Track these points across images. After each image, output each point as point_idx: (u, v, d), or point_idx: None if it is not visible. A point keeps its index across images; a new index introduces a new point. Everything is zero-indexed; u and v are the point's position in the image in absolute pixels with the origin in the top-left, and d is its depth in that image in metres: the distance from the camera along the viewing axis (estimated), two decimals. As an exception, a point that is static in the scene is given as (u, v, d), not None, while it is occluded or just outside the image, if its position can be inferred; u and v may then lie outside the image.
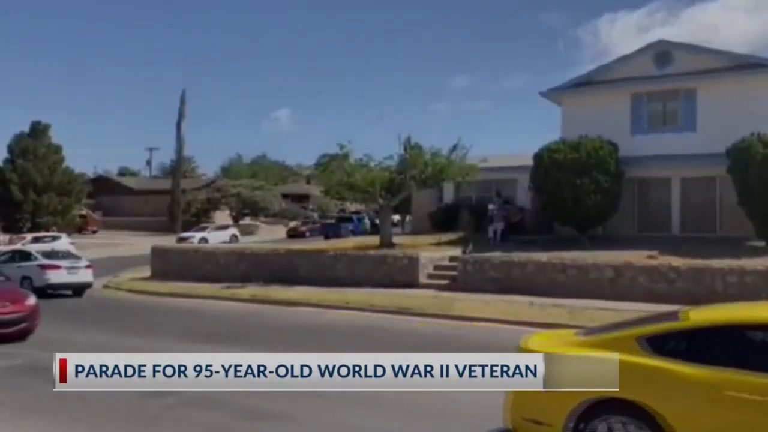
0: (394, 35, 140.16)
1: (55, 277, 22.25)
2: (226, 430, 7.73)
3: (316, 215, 63.52)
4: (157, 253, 29.09)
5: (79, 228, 56.57)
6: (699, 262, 17.72)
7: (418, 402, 7.94)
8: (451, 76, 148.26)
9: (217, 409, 8.15)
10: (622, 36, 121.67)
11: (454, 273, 20.83)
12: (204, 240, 43.42)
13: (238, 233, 48.57)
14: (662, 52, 24.48)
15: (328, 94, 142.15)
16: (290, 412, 8.04)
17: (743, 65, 23.26)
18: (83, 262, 24.26)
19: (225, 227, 50.49)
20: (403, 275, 21.31)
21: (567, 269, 18.93)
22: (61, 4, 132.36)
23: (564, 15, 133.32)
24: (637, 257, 18.98)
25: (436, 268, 21.76)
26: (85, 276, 23.05)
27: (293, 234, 50.04)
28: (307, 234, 48.89)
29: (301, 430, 7.75)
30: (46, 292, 21.43)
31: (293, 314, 17.62)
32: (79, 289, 22.80)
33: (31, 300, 13.34)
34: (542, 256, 19.74)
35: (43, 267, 22.40)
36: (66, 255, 25.71)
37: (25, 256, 23.96)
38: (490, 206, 25.65)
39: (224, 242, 43.51)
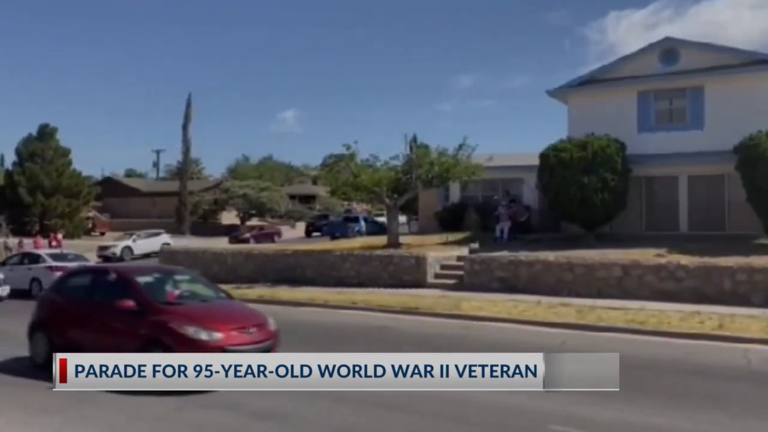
0: (400, 35, 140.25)
1: (63, 279, 22.31)
2: (233, 430, 7.70)
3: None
4: (166, 254, 29.25)
5: (87, 230, 56.85)
6: (707, 260, 17.59)
7: (429, 402, 7.90)
8: (456, 75, 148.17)
9: (225, 409, 8.13)
10: (629, 34, 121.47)
11: (461, 273, 20.77)
12: (129, 249, 38.56)
13: (171, 240, 40.78)
14: (669, 50, 24.33)
15: (333, 94, 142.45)
16: (297, 412, 8.01)
17: (750, 62, 23.07)
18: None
19: (157, 234, 42.95)
20: (410, 275, 21.29)
21: (574, 268, 18.84)
22: (67, 7, 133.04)
23: (570, 13, 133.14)
24: (645, 255, 18.87)
25: (443, 267, 21.71)
26: (92, 277, 23.09)
27: (235, 241, 42.81)
28: (251, 241, 41.74)
29: (309, 430, 7.71)
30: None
31: (300, 314, 17.58)
32: (87, 291, 22.85)
33: (273, 323, 10.38)
34: (549, 255, 19.65)
35: (52, 269, 22.54)
36: (75, 257, 25.87)
37: (35, 258, 24.16)
38: (500, 207, 25.52)
39: (153, 251, 37.15)
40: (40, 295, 11.95)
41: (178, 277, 11.47)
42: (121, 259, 36.72)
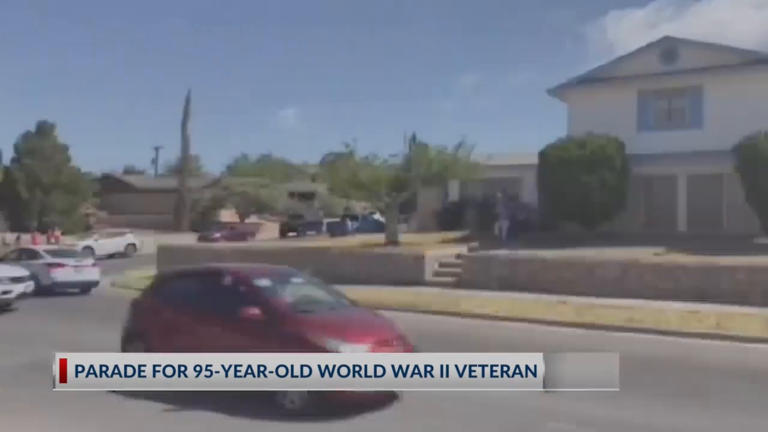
0: (401, 33, 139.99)
1: (62, 275, 22.32)
2: (234, 428, 7.70)
3: (321, 213, 63.13)
4: (164, 251, 29.21)
5: (87, 226, 56.81)
6: (706, 260, 17.62)
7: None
8: (458, 73, 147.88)
9: (225, 408, 8.12)
10: (629, 32, 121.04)
11: (459, 271, 20.78)
12: (90, 249, 35.52)
13: (136, 241, 38.73)
14: (669, 49, 24.35)
15: (334, 92, 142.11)
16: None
17: (751, 61, 23.09)
18: (89, 261, 24.38)
19: (121, 233, 40.18)
20: (409, 273, 21.28)
21: (573, 267, 18.86)
22: (67, 5, 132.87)
23: (571, 12, 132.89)
24: (644, 254, 18.91)
25: (442, 265, 21.71)
26: (91, 274, 23.15)
27: (204, 240, 40.40)
28: (221, 241, 39.23)
29: (310, 428, 7.71)
30: (53, 290, 21.57)
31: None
32: (85, 288, 22.90)
33: (409, 340, 9.08)
34: (548, 254, 19.67)
35: (50, 266, 22.44)
36: (72, 253, 25.84)
37: (32, 254, 24.04)
38: (499, 206, 25.51)
39: (119, 252, 37.61)
40: (135, 300, 10.77)
41: (294, 280, 10.07)
42: None
